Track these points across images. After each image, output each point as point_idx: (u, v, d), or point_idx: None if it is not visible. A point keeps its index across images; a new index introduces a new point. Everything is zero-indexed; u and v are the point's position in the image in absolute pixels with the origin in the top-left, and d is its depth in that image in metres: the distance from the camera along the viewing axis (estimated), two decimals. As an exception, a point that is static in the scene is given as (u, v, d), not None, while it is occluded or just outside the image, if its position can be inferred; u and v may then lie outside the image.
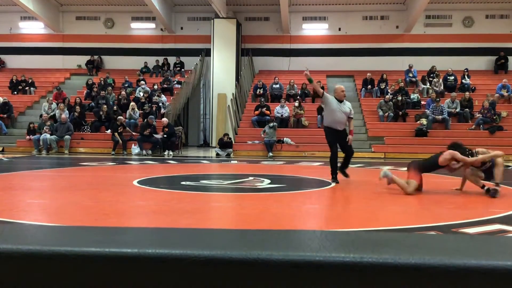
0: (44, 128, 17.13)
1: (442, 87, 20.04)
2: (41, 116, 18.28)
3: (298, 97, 19.65)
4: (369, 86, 20.43)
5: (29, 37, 24.38)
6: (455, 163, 7.03)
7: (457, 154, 6.98)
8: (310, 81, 8.51)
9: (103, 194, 7.09)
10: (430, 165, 7.28)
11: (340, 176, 8.65)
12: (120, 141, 16.80)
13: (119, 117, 17.41)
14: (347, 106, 8.51)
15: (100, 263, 0.85)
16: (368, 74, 20.62)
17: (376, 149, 16.68)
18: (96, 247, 0.86)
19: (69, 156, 16.14)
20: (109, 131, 17.40)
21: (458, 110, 18.22)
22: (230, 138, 17.44)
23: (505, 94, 19.38)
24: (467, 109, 18.20)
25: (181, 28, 23.78)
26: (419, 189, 7.23)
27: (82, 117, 18.28)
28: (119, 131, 16.97)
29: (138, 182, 8.29)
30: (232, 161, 14.91)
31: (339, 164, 8.66)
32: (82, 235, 0.98)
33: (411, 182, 7.07)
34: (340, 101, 8.43)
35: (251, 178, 9.30)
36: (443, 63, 21.12)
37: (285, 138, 17.18)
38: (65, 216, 5.44)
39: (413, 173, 7.17)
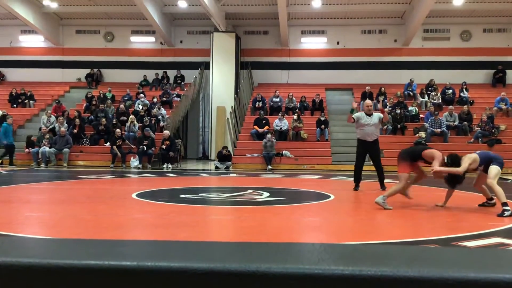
0: (43, 141, 17.12)
1: (440, 100, 20.11)
2: (40, 129, 18.27)
3: (297, 110, 19.70)
4: (367, 99, 20.48)
5: (29, 50, 24.48)
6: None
7: (436, 162, 6.98)
8: (352, 111, 9.53)
9: (102, 207, 7.07)
10: (415, 154, 7.35)
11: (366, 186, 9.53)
12: (119, 154, 16.79)
13: (116, 130, 17.43)
14: (376, 117, 9.44)
15: (99, 276, 0.85)
16: (367, 87, 20.68)
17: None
18: (95, 260, 0.86)
19: (68, 169, 16.11)
20: (108, 144, 17.40)
21: (456, 123, 18.26)
22: (229, 151, 17.44)
23: (503, 107, 19.44)
24: (465, 122, 18.23)
25: (181, 42, 23.91)
26: (418, 179, 7.47)
27: (81, 130, 18.29)
28: (117, 144, 16.97)
29: (137, 195, 8.27)
30: (231, 174, 14.89)
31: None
32: (81, 248, 0.98)
33: (400, 177, 7.17)
34: (369, 115, 9.38)
35: (250, 191, 9.29)
36: (441, 77, 21.21)
37: (284, 151, 17.18)
38: (64, 229, 5.42)
39: (401, 165, 7.27)
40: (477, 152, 7.15)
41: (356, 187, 9.62)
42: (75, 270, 0.85)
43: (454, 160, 7.01)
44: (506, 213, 6.30)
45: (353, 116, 9.45)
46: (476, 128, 17.82)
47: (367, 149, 9.54)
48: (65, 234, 5.01)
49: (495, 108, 19.30)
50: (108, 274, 0.84)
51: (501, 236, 4.95)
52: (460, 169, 6.84)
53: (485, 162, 6.86)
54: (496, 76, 22.09)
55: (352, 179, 9.90)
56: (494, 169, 6.72)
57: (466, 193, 9.54)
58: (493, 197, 7.04)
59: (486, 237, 4.94)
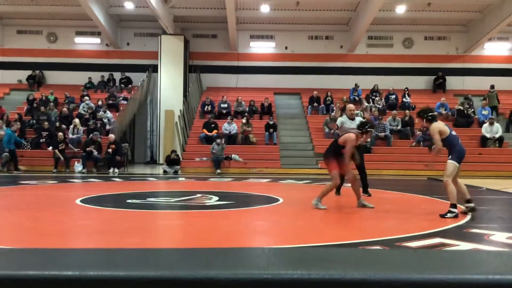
0: (-19, 145, 16.34)
1: (384, 105, 20.73)
2: (-23, 132, 17.42)
3: (246, 114, 19.76)
4: (315, 104, 20.84)
5: (-34, 50, 23.35)
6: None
7: (349, 142, 7.32)
8: (336, 120, 9.44)
9: (44, 214, 6.81)
10: (334, 148, 7.56)
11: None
12: (62, 158, 16.28)
13: (59, 133, 16.89)
14: (359, 121, 9.22)
15: (39, 286, 0.81)
16: (314, 92, 21.04)
17: (322, 166, 16.89)
18: (34, 270, 0.82)
19: (7, 174, 15.44)
20: (50, 148, 16.83)
21: (399, 127, 18.89)
22: (177, 155, 17.26)
23: (443, 112, 20.27)
24: (408, 127, 18.89)
25: (127, 44, 23.48)
26: (353, 183, 7.60)
27: (22, 134, 17.60)
28: (59, 148, 16.45)
29: (81, 201, 8.03)
30: (179, 178, 14.74)
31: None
32: (20, 257, 0.94)
33: (332, 175, 7.42)
34: (352, 119, 9.22)
35: (199, 195, 9.22)
36: (385, 82, 21.87)
37: (233, 155, 17.18)
38: (2, 237, 5.18)
39: (329, 164, 7.48)
40: (452, 131, 6.86)
41: (337, 192, 9.29)
42: (12, 281, 0.81)
43: (364, 125, 7.63)
44: (449, 215, 6.37)
45: (337, 122, 9.43)
46: (418, 132, 18.50)
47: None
48: (3, 243, 4.78)
49: (436, 113, 20.06)
50: (48, 285, 0.80)
51: (442, 237, 5.13)
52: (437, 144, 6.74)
53: (449, 145, 6.71)
54: (436, 82, 23.04)
55: (305, 182, 9.91)
56: (450, 166, 6.58)
57: (410, 195, 9.88)
58: (470, 199, 6.73)
59: (428, 237, 5.11)
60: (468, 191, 6.81)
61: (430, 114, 6.99)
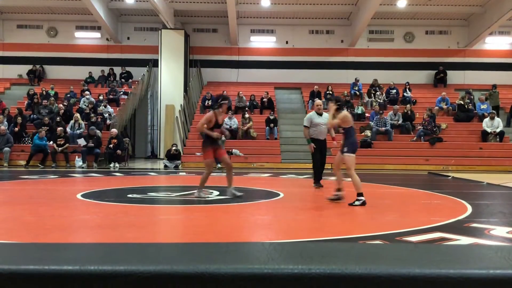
0: (-19, 140, 16.35)
1: (385, 100, 20.70)
2: (-22, 127, 17.42)
3: (246, 108, 19.74)
4: (316, 98, 20.81)
5: (-34, 44, 23.31)
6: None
7: (202, 120, 7.69)
8: (308, 141, 9.59)
9: (45, 208, 6.82)
10: (206, 136, 7.69)
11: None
12: (58, 150, 16.28)
13: (58, 128, 16.89)
14: (325, 117, 9.56)
15: (39, 281, 0.81)
16: (315, 86, 21.01)
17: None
18: (35, 264, 0.82)
19: (8, 169, 15.46)
20: (51, 142, 16.84)
21: (400, 122, 18.87)
22: (178, 150, 17.26)
23: (444, 107, 20.24)
24: (408, 122, 18.87)
25: (128, 38, 23.45)
26: (228, 169, 7.83)
27: (22, 128, 17.60)
28: (58, 142, 16.45)
29: (82, 196, 8.04)
30: (180, 173, 14.75)
31: None
32: (21, 252, 0.94)
33: (205, 163, 7.70)
34: (319, 114, 9.60)
35: (199, 190, 9.20)
36: (386, 77, 21.85)
37: (233, 150, 17.18)
38: (3, 232, 5.19)
39: (205, 153, 7.68)
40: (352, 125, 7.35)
41: (317, 184, 9.69)
42: (13, 275, 0.81)
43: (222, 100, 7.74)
44: (357, 203, 6.87)
45: (304, 123, 9.71)
46: (419, 127, 18.48)
47: (319, 147, 9.65)
48: (4, 237, 4.79)
49: (437, 107, 20.07)
50: (48, 280, 0.80)
51: (443, 231, 5.14)
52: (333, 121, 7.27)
53: (346, 135, 7.16)
54: (437, 77, 22.99)
55: (306, 177, 10.07)
56: (350, 159, 7.04)
57: (411, 190, 9.88)
58: (342, 189, 7.35)
59: (428, 232, 5.12)
60: (342, 182, 7.44)
61: (340, 103, 7.55)
